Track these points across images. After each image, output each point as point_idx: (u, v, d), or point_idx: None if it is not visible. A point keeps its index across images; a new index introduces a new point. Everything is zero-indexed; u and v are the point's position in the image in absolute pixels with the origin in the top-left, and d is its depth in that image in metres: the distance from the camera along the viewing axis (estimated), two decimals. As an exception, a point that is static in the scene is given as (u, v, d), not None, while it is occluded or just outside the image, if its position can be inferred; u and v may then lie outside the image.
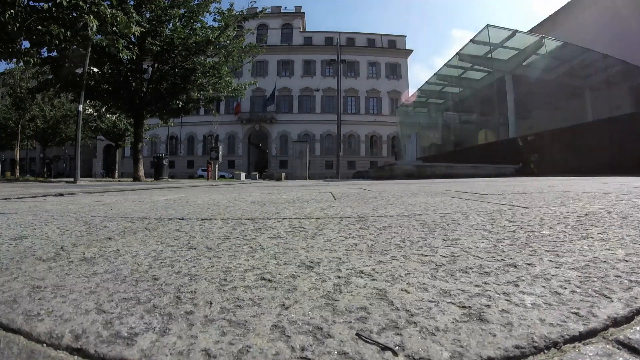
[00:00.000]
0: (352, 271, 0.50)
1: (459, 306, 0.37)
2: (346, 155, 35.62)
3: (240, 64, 12.16)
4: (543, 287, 0.42)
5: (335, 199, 1.68)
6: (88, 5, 5.75)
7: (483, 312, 0.36)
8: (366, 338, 0.31)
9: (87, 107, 15.47)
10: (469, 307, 0.37)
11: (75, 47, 7.09)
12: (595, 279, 0.45)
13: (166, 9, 9.81)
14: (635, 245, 0.61)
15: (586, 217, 0.94)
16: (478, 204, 1.33)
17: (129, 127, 20.00)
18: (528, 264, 0.52)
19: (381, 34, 40.68)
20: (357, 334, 0.32)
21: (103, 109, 13.13)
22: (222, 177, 19.94)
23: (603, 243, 0.64)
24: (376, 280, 0.46)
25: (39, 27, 5.82)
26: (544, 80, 10.79)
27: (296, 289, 0.44)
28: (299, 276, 0.49)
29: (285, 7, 39.91)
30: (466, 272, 0.49)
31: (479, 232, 0.77)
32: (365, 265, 0.53)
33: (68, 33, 5.92)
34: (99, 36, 7.03)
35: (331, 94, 36.21)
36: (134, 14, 8.20)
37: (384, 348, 0.30)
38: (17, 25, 5.53)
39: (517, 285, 0.43)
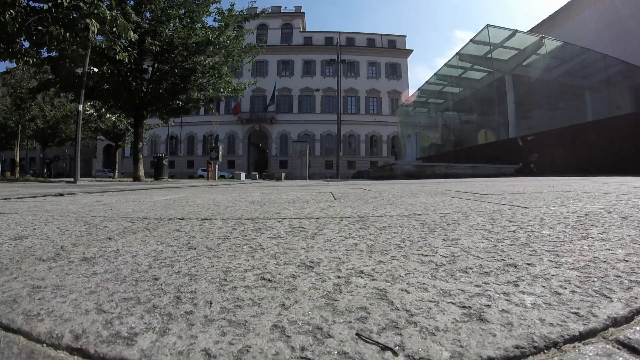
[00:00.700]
0: (352, 271, 0.50)
1: (459, 306, 0.37)
2: (346, 155, 35.63)
3: (240, 64, 12.16)
4: (543, 287, 0.42)
5: (335, 199, 1.68)
6: (87, 6, 5.75)
7: (483, 312, 0.36)
8: (366, 338, 0.31)
9: (87, 108, 15.47)
10: (469, 307, 0.37)
11: (75, 47, 7.10)
12: (595, 279, 0.45)
13: (166, 9, 9.81)
14: (635, 245, 0.61)
15: (586, 217, 0.94)
16: (478, 204, 1.33)
17: (129, 127, 20.00)
18: (528, 264, 0.52)
19: (381, 34, 40.68)
20: (357, 334, 0.32)
21: (103, 109, 13.13)
22: (222, 177, 19.94)
23: (603, 243, 0.64)
24: (376, 280, 0.46)
25: (39, 27, 5.82)
26: (544, 80, 10.80)
27: (296, 289, 0.44)
28: (299, 276, 0.49)
29: (285, 7, 39.90)
30: (466, 272, 0.49)
31: (479, 232, 0.77)
32: (365, 265, 0.53)
33: (68, 34, 5.92)
34: (99, 37, 7.04)
35: (331, 94, 36.20)
36: (132, 15, 8.20)
37: (384, 348, 0.30)
38: (17, 25, 5.53)
39: (517, 285, 0.43)
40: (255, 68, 32.08)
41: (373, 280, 0.46)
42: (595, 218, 0.91)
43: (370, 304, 0.38)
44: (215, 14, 11.01)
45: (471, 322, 0.34)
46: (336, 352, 0.29)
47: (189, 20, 10.60)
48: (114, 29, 6.36)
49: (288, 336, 0.32)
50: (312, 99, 38.21)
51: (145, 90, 11.10)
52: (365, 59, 39.11)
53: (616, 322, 0.34)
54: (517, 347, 0.30)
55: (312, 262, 0.55)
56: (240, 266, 0.54)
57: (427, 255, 0.58)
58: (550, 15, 16.93)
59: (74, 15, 5.89)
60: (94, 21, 5.73)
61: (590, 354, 0.29)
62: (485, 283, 0.44)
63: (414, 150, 17.63)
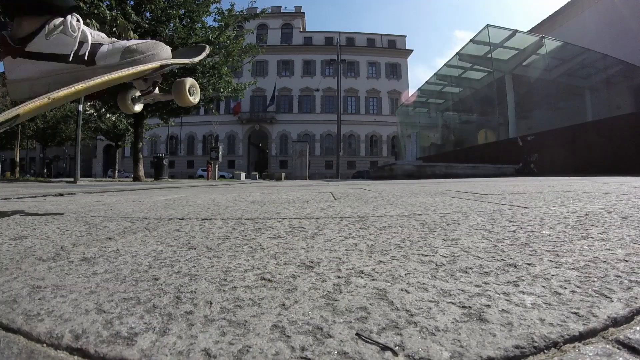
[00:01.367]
0: (352, 271, 0.50)
1: (459, 306, 0.37)
2: (346, 155, 35.63)
3: (240, 64, 12.16)
4: (543, 287, 0.42)
5: (335, 199, 1.68)
6: (87, 6, 5.76)
7: (483, 312, 0.36)
8: (366, 338, 0.31)
9: (87, 107, 15.47)
10: (469, 307, 0.37)
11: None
12: (595, 279, 0.45)
13: (166, 9, 9.81)
14: (635, 245, 0.61)
15: (586, 217, 0.94)
16: (478, 204, 1.33)
17: (129, 127, 20.00)
18: (528, 264, 0.52)
19: (381, 34, 40.70)
20: (357, 334, 0.32)
21: (103, 109, 13.13)
22: (222, 177, 19.94)
23: (603, 243, 0.64)
24: (376, 280, 0.46)
25: (39, 27, 5.82)
26: (544, 80, 10.80)
27: (296, 289, 0.44)
28: (299, 276, 0.49)
29: (285, 7, 39.92)
30: (466, 272, 0.49)
31: (479, 232, 0.77)
32: (365, 265, 0.53)
33: (68, 33, 5.93)
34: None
35: (331, 94, 36.21)
36: (132, 15, 8.20)
37: (384, 348, 0.30)
38: (17, 25, 5.53)
39: (517, 285, 0.43)
40: (255, 68, 32.10)
41: (373, 280, 0.46)
42: (595, 218, 0.91)
43: (370, 304, 0.38)
44: (215, 14, 11.01)
45: (471, 322, 0.34)
46: (336, 352, 0.29)
47: (189, 20, 10.61)
48: (114, 29, 6.36)
49: (288, 336, 0.32)
50: (312, 99, 38.20)
51: (145, 90, 11.08)
52: (365, 59, 39.10)
53: (616, 322, 0.34)
54: (517, 347, 0.30)
55: (312, 262, 0.55)
56: (240, 266, 0.54)
57: (427, 255, 0.58)
58: (550, 15, 16.94)
59: (74, 15, 5.89)
60: (94, 21, 5.74)
61: (590, 354, 0.29)
62: (485, 283, 0.44)
63: (414, 150, 17.64)
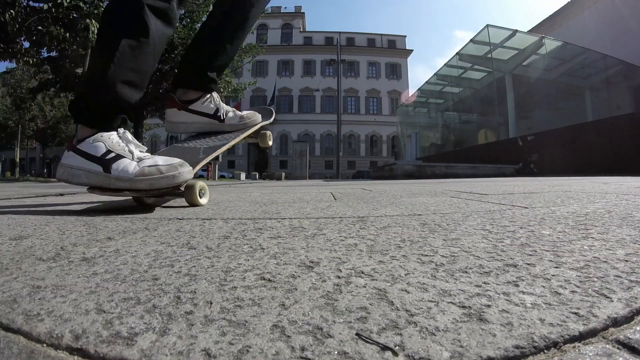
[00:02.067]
0: (352, 271, 0.50)
1: (459, 306, 0.37)
2: (346, 155, 35.64)
3: (240, 64, 12.17)
4: (543, 287, 0.42)
5: (335, 199, 1.68)
6: (87, 6, 5.76)
7: (483, 312, 0.36)
8: (366, 338, 0.31)
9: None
10: (469, 307, 0.37)
11: (75, 47, 7.11)
12: (595, 279, 0.45)
13: (166, 9, 9.81)
14: (635, 245, 0.61)
15: (586, 217, 0.94)
16: (478, 204, 1.33)
17: (129, 127, 19.98)
18: (528, 264, 0.52)
19: (381, 34, 40.72)
20: (357, 334, 0.32)
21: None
22: (222, 177, 19.93)
23: (603, 243, 0.64)
24: (376, 280, 0.46)
25: (39, 27, 5.83)
26: (544, 80, 10.80)
27: (296, 289, 0.44)
28: (299, 276, 0.49)
29: (285, 7, 39.93)
30: (466, 272, 0.49)
31: (479, 232, 0.77)
32: (365, 265, 0.53)
33: (68, 34, 5.93)
34: (99, 37, 7.05)
35: (331, 93, 36.20)
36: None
37: (384, 348, 0.30)
38: (17, 25, 5.54)
39: (517, 285, 0.43)
40: (255, 68, 32.10)
41: (373, 280, 0.46)
42: (595, 218, 0.91)
43: (370, 304, 0.38)
44: (215, 14, 11.00)
45: (471, 322, 0.34)
46: (336, 352, 0.29)
47: (189, 20, 10.61)
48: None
49: (288, 336, 0.32)
50: (312, 99, 38.21)
51: (145, 90, 11.10)
52: (365, 59, 39.11)
53: (616, 322, 0.34)
54: (517, 347, 0.30)
55: (312, 262, 0.55)
56: (240, 266, 0.54)
57: (427, 255, 0.58)
58: (550, 15, 16.95)
59: (74, 15, 5.90)
60: (93, 21, 5.74)
61: (590, 354, 0.29)
62: (485, 283, 0.44)
63: (414, 150, 17.64)
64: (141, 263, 0.57)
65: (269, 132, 1.72)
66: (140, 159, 1.11)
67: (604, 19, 13.16)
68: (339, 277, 0.48)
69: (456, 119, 15.60)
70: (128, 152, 1.10)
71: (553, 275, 0.46)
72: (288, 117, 36.87)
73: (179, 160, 1.14)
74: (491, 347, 0.30)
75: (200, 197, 1.27)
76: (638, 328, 0.33)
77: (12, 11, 5.34)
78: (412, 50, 40.11)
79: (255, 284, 0.46)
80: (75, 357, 0.31)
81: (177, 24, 10.33)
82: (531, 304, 0.37)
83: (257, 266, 0.54)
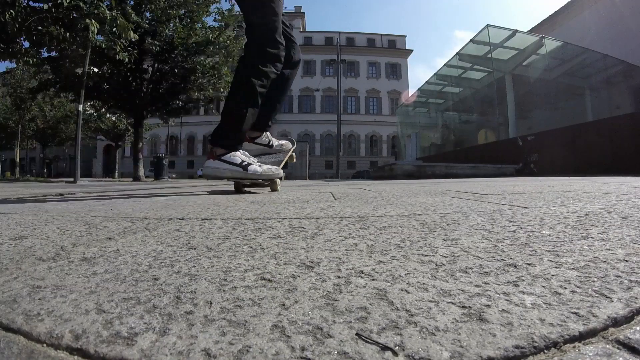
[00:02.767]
0: (352, 271, 0.50)
1: (459, 306, 0.37)
2: (346, 155, 35.64)
3: (240, 64, 12.14)
4: (543, 287, 0.42)
5: (335, 199, 1.68)
6: (87, 6, 5.76)
7: (483, 312, 0.36)
8: (366, 338, 0.31)
9: (87, 108, 15.48)
10: (469, 307, 0.37)
11: (74, 47, 7.11)
12: (595, 279, 0.45)
13: (166, 9, 9.81)
14: (635, 245, 0.61)
15: (586, 217, 0.94)
16: (478, 204, 1.33)
17: (129, 127, 20.02)
18: (528, 264, 0.52)
19: (381, 34, 40.72)
20: (357, 334, 0.32)
21: (103, 109, 13.14)
22: (222, 177, 19.89)
23: (603, 243, 0.64)
24: (376, 280, 0.46)
25: (39, 27, 5.83)
26: (544, 80, 10.80)
27: (296, 289, 0.44)
28: (299, 276, 0.49)
29: (285, 7, 39.80)
30: (466, 272, 0.49)
31: (479, 232, 0.77)
32: (365, 265, 0.53)
33: (68, 34, 5.93)
34: (99, 37, 7.05)
35: (331, 93, 36.21)
36: (132, 15, 8.21)
37: (384, 348, 0.30)
38: (17, 25, 5.54)
39: (517, 285, 0.43)
40: (255, 68, 32.05)
41: (373, 280, 0.46)
42: (595, 218, 0.91)
43: (370, 304, 0.38)
44: (215, 14, 11.02)
45: (471, 322, 0.34)
46: (336, 352, 0.29)
47: (189, 20, 10.62)
48: (114, 29, 6.37)
49: (288, 336, 0.32)
50: (312, 99, 38.21)
51: (145, 90, 11.10)
52: (365, 59, 39.10)
53: (616, 322, 0.34)
54: (517, 347, 0.30)
55: (312, 262, 0.55)
56: (240, 266, 0.54)
57: (427, 255, 0.58)
58: (550, 15, 16.95)
59: (74, 15, 5.90)
60: (93, 21, 5.74)
61: (590, 354, 0.29)
62: (485, 283, 0.44)
63: (414, 150, 17.64)
64: (141, 263, 0.57)
65: (294, 154, 2.50)
66: (259, 165, 1.97)
67: (604, 19, 13.16)
68: (339, 277, 0.48)
69: (456, 119, 15.60)
70: (251, 161, 1.92)
71: (553, 275, 0.46)
72: (288, 117, 36.87)
73: (275, 166, 2.06)
74: (491, 347, 0.30)
75: (278, 187, 2.15)
76: (638, 328, 0.33)
77: (12, 11, 5.34)
78: (412, 50, 40.12)
79: (255, 284, 0.46)
80: (75, 357, 0.31)
81: (177, 24, 10.33)
82: (531, 304, 0.37)
83: (257, 266, 0.54)
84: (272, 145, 2.25)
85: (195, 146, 38.08)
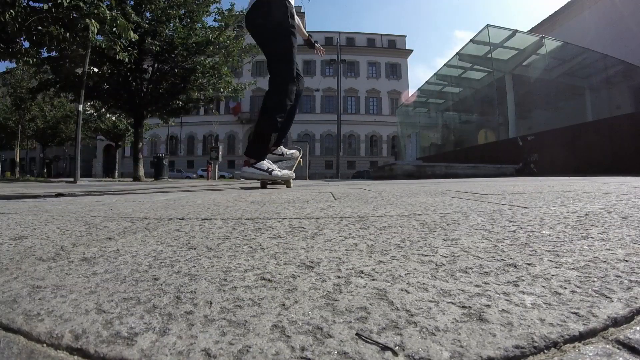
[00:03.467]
0: (352, 271, 0.50)
1: (459, 306, 0.37)
2: (346, 155, 35.65)
3: (240, 64, 12.15)
4: (543, 287, 0.42)
5: (335, 199, 1.68)
6: (87, 6, 5.76)
7: (483, 312, 0.36)
8: (366, 338, 0.31)
9: (87, 108, 15.48)
10: (469, 307, 0.37)
11: (74, 47, 7.10)
12: (595, 279, 0.45)
13: (166, 9, 9.81)
14: (635, 245, 0.61)
15: (586, 217, 0.94)
16: (478, 204, 1.33)
17: (129, 127, 20.02)
18: (528, 264, 0.52)
19: (381, 34, 40.71)
20: (357, 334, 0.32)
21: (103, 109, 13.13)
22: (222, 176, 19.93)
23: (603, 243, 0.64)
24: (376, 280, 0.46)
25: (39, 27, 5.83)
26: (544, 80, 10.80)
27: (296, 289, 0.44)
28: (299, 276, 0.49)
29: (287, 10, 39.86)
30: (466, 272, 0.49)
31: (479, 232, 0.77)
32: (365, 265, 0.53)
33: (68, 34, 5.93)
34: (99, 37, 7.05)
35: (331, 93, 36.20)
36: (132, 15, 8.21)
37: (384, 348, 0.30)
38: (17, 25, 5.53)
39: (517, 285, 0.43)
40: (255, 68, 32.09)
41: (373, 280, 0.46)
42: (595, 218, 0.91)
43: (370, 304, 0.38)
44: (215, 14, 11.01)
45: (471, 322, 0.34)
46: (336, 352, 0.29)
47: (189, 20, 10.61)
48: (114, 29, 6.37)
49: (288, 336, 0.32)
50: (312, 99, 38.19)
51: (145, 90, 11.09)
52: (365, 59, 39.10)
53: (616, 322, 0.34)
54: (517, 347, 0.30)
55: (312, 262, 0.55)
56: (240, 266, 0.54)
57: (427, 255, 0.58)
58: (550, 15, 16.95)
59: (74, 15, 5.90)
60: (93, 21, 5.74)
61: (590, 354, 0.29)
62: (485, 283, 0.44)
63: (414, 150, 17.63)
64: (141, 263, 0.57)
65: (301, 160, 3.08)
66: (280, 170, 2.56)
67: (604, 19, 13.16)
68: (339, 277, 0.48)
69: (456, 119, 15.59)
70: (274, 168, 2.53)
71: (553, 275, 0.46)
72: (288, 117, 36.90)
73: (290, 170, 2.69)
74: (491, 347, 0.30)
75: (291, 185, 2.79)
76: (638, 328, 0.33)
77: (12, 11, 5.34)
78: (412, 50, 40.11)
79: (255, 284, 0.46)
80: (75, 357, 0.31)
81: (177, 24, 10.31)
82: (531, 304, 0.37)
83: (257, 266, 0.54)
84: (284, 154, 2.90)
85: (195, 146, 38.07)
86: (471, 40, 11.88)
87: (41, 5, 5.69)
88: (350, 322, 0.34)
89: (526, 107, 11.55)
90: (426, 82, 16.59)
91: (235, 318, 0.36)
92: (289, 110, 2.47)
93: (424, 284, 0.44)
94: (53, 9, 5.70)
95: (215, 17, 10.92)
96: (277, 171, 2.51)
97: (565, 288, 0.42)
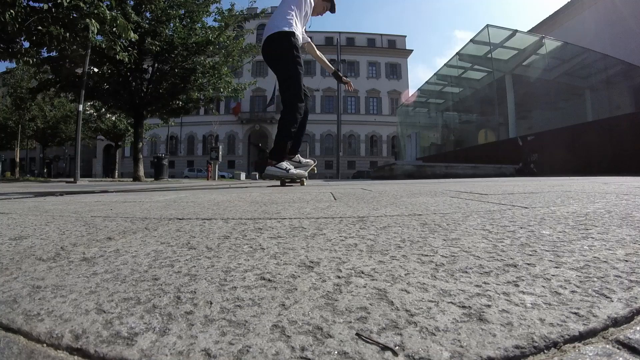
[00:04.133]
0: (352, 271, 0.50)
1: (459, 306, 0.37)
2: (346, 155, 35.65)
3: (240, 64, 12.15)
4: (543, 287, 0.42)
5: (335, 199, 1.68)
6: (87, 6, 5.76)
7: (483, 312, 0.36)
8: (366, 338, 0.31)
9: (87, 108, 15.47)
10: (469, 307, 0.37)
11: (74, 47, 7.10)
12: (595, 279, 0.45)
13: (166, 9, 9.80)
14: (635, 245, 0.61)
15: (586, 217, 0.94)
16: (478, 204, 1.33)
17: (129, 127, 20.01)
18: (528, 264, 0.52)
19: (381, 34, 40.70)
20: (357, 334, 0.32)
21: (103, 109, 13.12)
22: (222, 177, 19.94)
23: (603, 243, 0.64)
24: (376, 280, 0.46)
25: (39, 27, 5.82)
26: (544, 80, 10.79)
27: (296, 289, 0.44)
28: (299, 276, 0.49)
29: (286, 8, 39.79)
30: (466, 272, 0.49)
31: (479, 232, 0.77)
32: (365, 265, 0.53)
33: (68, 34, 5.93)
34: (99, 37, 7.04)
35: (331, 94, 36.20)
36: (132, 15, 8.21)
37: (384, 348, 0.30)
38: (17, 25, 5.53)
39: (517, 285, 0.43)
40: (255, 68, 32.10)
41: (373, 280, 0.46)
42: (595, 218, 0.91)
43: (370, 304, 0.38)
44: (215, 14, 11.00)
45: (471, 322, 0.34)
46: (336, 352, 0.29)
47: (189, 20, 10.60)
48: (114, 29, 6.36)
49: (288, 336, 0.32)
50: (312, 99, 38.14)
51: (145, 90, 11.09)
52: (365, 59, 39.10)
53: (616, 322, 0.34)
54: (517, 347, 0.30)
55: (312, 262, 0.55)
56: (240, 266, 0.54)
57: (427, 255, 0.58)
58: (550, 15, 16.93)
59: (74, 15, 5.89)
60: (93, 21, 5.74)
61: (590, 354, 0.29)
62: (485, 283, 0.44)
63: (414, 150, 17.62)
64: (141, 263, 0.57)
65: (315, 168, 3.56)
66: (295, 169, 3.10)
67: (604, 19, 13.15)
68: (339, 277, 0.48)
69: (456, 119, 15.59)
70: (290, 167, 3.06)
71: (553, 275, 0.46)
72: (288, 117, 36.91)
73: (303, 171, 3.25)
74: (491, 347, 0.30)
75: (305, 182, 3.42)
76: (638, 328, 0.33)
77: (12, 11, 5.33)
78: (412, 50, 40.10)
79: (255, 284, 0.46)
80: (75, 357, 0.31)
81: (177, 24, 10.30)
82: (531, 304, 0.37)
83: (257, 266, 0.54)
84: (301, 162, 3.39)
85: (195, 146, 38.08)
86: (471, 40, 11.88)
87: (41, 5, 5.68)
88: (350, 322, 0.34)
89: (526, 107, 11.55)
90: (426, 82, 16.59)
91: (235, 318, 0.36)
92: (300, 123, 3.08)
93: (424, 284, 0.44)
94: (53, 9, 5.69)
95: (215, 17, 10.91)
96: (293, 170, 3.12)
97: (565, 288, 0.42)
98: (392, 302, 0.39)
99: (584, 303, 0.37)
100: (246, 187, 3.45)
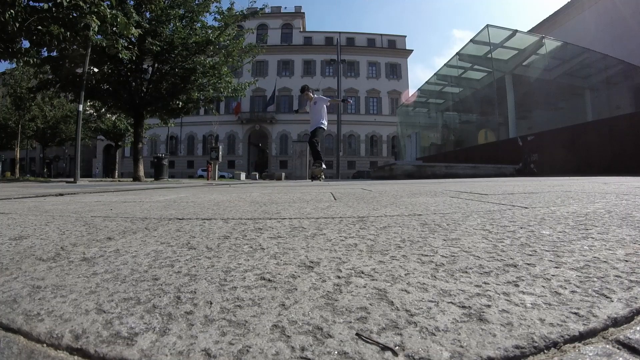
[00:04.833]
0: (352, 271, 0.50)
1: (459, 306, 0.37)
2: (346, 155, 35.65)
3: (240, 64, 12.14)
4: (543, 287, 0.42)
5: (335, 199, 1.68)
6: (88, 6, 5.75)
7: (483, 312, 0.36)
8: (366, 338, 0.31)
9: (87, 108, 15.47)
10: (469, 307, 0.37)
11: (75, 47, 7.10)
12: (595, 279, 0.45)
13: (166, 9, 9.80)
14: (635, 245, 0.61)
15: (586, 217, 0.94)
16: (478, 204, 1.33)
17: (129, 127, 20.00)
18: (528, 264, 0.52)
19: (381, 34, 40.69)
20: (357, 334, 0.32)
21: (103, 109, 13.12)
22: (222, 177, 19.94)
23: (603, 243, 0.64)
24: (376, 280, 0.46)
25: (39, 27, 5.82)
26: (544, 80, 10.79)
27: (296, 289, 0.44)
28: (299, 276, 0.49)
29: (285, 7, 39.89)
30: (466, 272, 0.49)
31: (479, 232, 0.77)
32: (365, 265, 0.53)
33: (68, 33, 5.92)
34: (99, 36, 7.04)
35: (331, 93, 36.14)
36: (133, 14, 8.20)
37: (384, 348, 0.30)
38: (17, 25, 5.53)
39: (517, 285, 0.43)
40: (255, 68, 32.09)
41: (373, 280, 0.46)
42: (595, 218, 0.91)
43: (370, 304, 0.38)
44: (215, 14, 11.00)
45: (471, 322, 0.34)
46: (336, 352, 0.29)
47: (189, 20, 10.60)
48: (115, 27, 6.36)
49: (288, 336, 0.32)
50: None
51: (145, 90, 11.08)
52: (365, 59, 39.09)
53: (616, 322, 0.34)
54: (517, 347, 0.30)
55: (312, 262, 0.55)
56: (240, 266, 0.54)
57: (427, 255, 0.58)
58: (550, 15, 16.93)
59: (74, 14, 5.89)
60: (94, 17, 5.73)
61: (590, 354, 0.29)
62: (485, 283, 0.44)
63: (414, 150, 17.62)
64: (141, 263, 0.57)
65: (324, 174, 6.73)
66: (324, 169, 6.94)
67: (604, 19, 13.15)
68: (339, 277, 0.48)
69: (456, 119, 15.58)
70: (324, 166, 6.91)
71: (553, 275, 0.46)
72: (288, 117, 36.85)
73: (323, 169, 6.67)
74: (491, 347, 0.30)
75: (323, 178, 6.88)
76: (638, 328, 0.33)
77: (12, 11, 5.33)
78: (412, 50, 40.08)
79: (255, 284, 0.46)
80: (75, 357, 0.31)
81: (177, 24, 10.29)
82: (531, 304, 0.37)
83: (257, 266, 0.54)
84: (322, 166, 6.25)
85: (195, 146, 38.07)
86: (471, 40, 11.87)
87: (41, 5, 5.68)
88: (350, 322, 0.34)
89: (526, 107, 11.55)
90: (426, 82, 16.58)
91: (235, 318, 0.36)
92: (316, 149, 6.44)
93: (424, 284, 0.44)
94: (53, 9, 5.69)
95: (215, 17, 10.90)
96: (324, 166, 6.19)
97: (565, 288, 0.42)
98: (392, 302, 0.39)
99: (584, 303, 0.37)
100: (254, 185, 3.41)
